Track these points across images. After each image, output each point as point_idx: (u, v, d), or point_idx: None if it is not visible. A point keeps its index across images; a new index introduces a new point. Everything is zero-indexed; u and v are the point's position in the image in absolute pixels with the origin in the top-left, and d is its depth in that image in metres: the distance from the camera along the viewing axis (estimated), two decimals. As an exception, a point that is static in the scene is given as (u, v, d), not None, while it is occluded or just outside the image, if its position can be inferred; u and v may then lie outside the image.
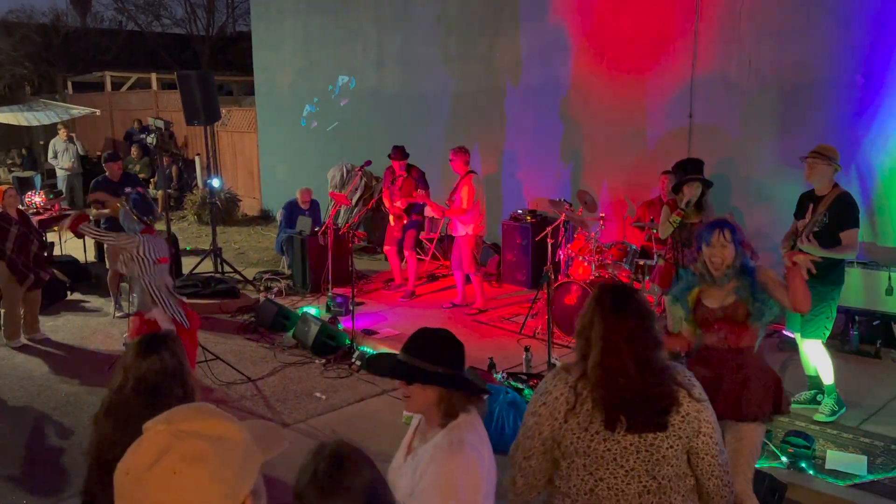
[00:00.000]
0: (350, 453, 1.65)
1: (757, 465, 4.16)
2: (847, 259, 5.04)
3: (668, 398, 2.12)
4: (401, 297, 8.14)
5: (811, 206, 4.90)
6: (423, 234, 8.73)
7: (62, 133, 13.78)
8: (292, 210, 9.37)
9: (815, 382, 5.11)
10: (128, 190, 7.61)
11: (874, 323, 6.21)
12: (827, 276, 4.69)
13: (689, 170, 5.53)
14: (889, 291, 6.04)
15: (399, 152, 7.96)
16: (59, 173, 13.77)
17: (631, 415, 2.11)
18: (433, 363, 2.13)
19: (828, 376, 4.89)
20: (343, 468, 1.60)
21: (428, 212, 8.48)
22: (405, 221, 8.01)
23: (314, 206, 9.49)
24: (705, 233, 3.34)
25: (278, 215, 10.24)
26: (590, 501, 2.19)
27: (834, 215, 4.74)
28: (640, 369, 2.11)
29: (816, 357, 4.92)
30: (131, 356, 2.67)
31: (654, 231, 6.13)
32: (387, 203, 8.26)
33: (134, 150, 14.58)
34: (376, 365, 3.35)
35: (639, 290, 2.25)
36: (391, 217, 8.15)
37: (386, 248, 8.43)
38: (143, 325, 4.98)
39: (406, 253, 8.12)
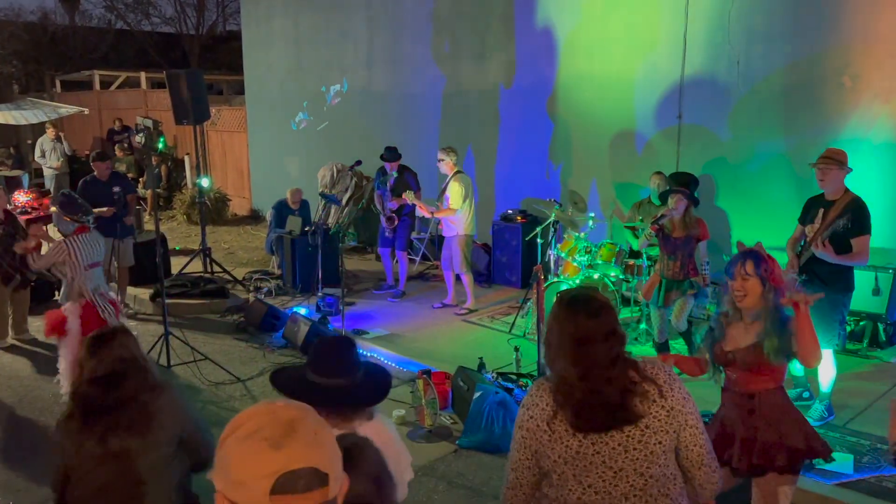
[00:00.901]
0: (357, 442, 1.76)
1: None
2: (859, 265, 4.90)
3: (622, 394, 2.12)
4: (390, 297, 8.14)
5: (822, 210, 4.78)
6: (413, 235, 8.71)
7: (50, 132, 13.69)
8: (282, 210, 9.34)
9: (799, 382, 5.12)
10: (116, 189, 7.60)
11: (860, 323, 6.27)
12: (837, 282, 4.69)
13: (678, 182, 5.57)
14: (875, 292, 6.09)
15: (391, 153, 7.97)
16: (47, 172, 13.69)
17: (587, 415, 2.13)
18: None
19: (827, 384, 4.88)
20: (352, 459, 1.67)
21: (418, 212, 8.48)
22: (396, 223, 8.01)
23: (304, 206, 9.47)
24: (729, 265, 3.08)
25: (268, 215, 10.21)
26: None
27: (847, 220, 4.63)
28: (585, 369, 2.12)
29: (824, 365, 4.82)
30: (83, 354, 2.72)
31: (646, 234, 6.16)
32: (378, 204, 8.26)
33: (118, 150, 14.49)
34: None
35: (598, 292, 2.23)
36: (383, 218, 8.15)
37: (380, 249, 8.42)
38: (55, 318, 5.14)
39: (398, 253, 8.13)
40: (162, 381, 2.89)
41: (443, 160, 7.46)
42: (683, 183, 5.56)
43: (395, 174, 7.97)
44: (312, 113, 11.98)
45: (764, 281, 2.99)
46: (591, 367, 2.13)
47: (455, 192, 7.33)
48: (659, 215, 5.63)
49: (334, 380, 2.28)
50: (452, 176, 7.45)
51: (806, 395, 5.09)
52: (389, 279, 8.47)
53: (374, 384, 2.40)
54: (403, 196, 7.64)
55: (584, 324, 2.13)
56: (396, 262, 8.34)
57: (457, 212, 7.33)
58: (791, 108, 6.78)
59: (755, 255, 3.04)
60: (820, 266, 4.69)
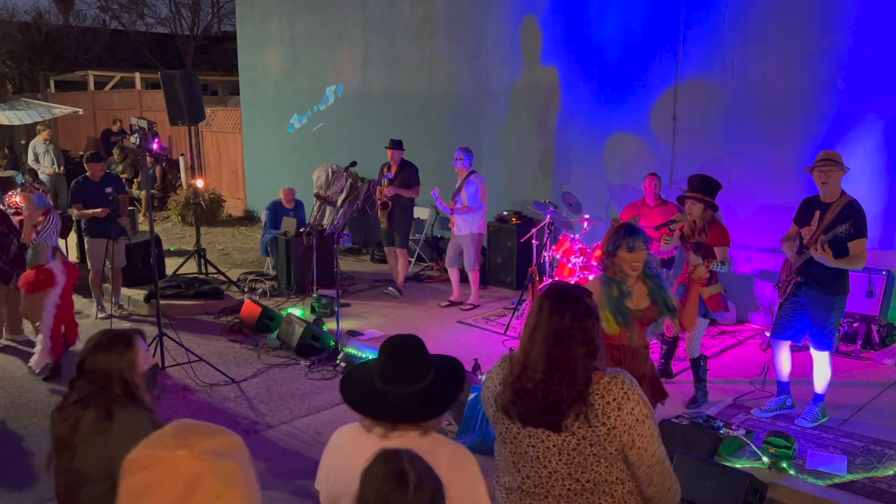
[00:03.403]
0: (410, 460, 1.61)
1: (738, 465, 4.22)
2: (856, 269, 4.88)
3: (571, 402, 2.09)
4: (383, 289, 8.26)
5: (818, 212, 4.74)
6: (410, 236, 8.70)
7: (42, 134, 13.63)
8: (276, 210, 9.33)
9: (784, 388, 5.11)
10: (108, 189, 7.57)
11: (854, 325, 6.29)
12: (834, 285, 4.70)
13: (693, 186, 5.39)
14: (869, 294, 6.11)
15: (396, 143, 8.00)
16: (42, 177, 13.61)
17: (527, 406, 2.13)
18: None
19: (822, 387, 4.89)
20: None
21: (415, 212, 8.50)
22: (390, 208, 7.98)
23: (298, 207, 9.46)
24: (628, 239, 3.41)
25: (263, 216, 10.20)
26: (520, 499, 2.23)
27: (850, 226, 4.54)
28: (555, 366, 2.10)
29: (821, 367, 4.86)
30: (88, 349, 2.73)
31: (665, 239, 6.13)
32: (377, 196, 8.24)
33: (116, 152, 14.44)
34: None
35: (591, 296, 2.22)
36: (378, 207, 8.13)
37: (387, 247, 8.42)
38: (38, 275, 6.12)
39: (398, 251, 8.16)
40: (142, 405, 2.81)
41: (460, 159, 7.56)
42: (698, 187, 5.40)
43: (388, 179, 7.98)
44: (308, 114, 11.97)
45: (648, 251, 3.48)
46: (559, 366, 2.10)
47: (472, 191, 7.47)
48: (669, 220, 5.55)
49: (404, 388, 2.06)
50: (469, 175, 7.54)
51: (789, 402, 5.08)
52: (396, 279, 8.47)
53: (449, 383, 2.16)
54: (387, 192, 7.71)
55: (568, 324, 2.12)
56: (397, 259, 8.33)
57: (474, 210, 7.45)
58: (785, 109, 6.80)
59: (643, 231, 3.52)
60: (817, 269, 4.69)
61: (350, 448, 2.06)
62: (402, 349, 2.14)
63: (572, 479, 2.15)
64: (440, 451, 2.00)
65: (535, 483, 2.18)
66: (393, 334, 2.21)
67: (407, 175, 7.91)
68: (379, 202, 8.06)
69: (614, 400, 2.11)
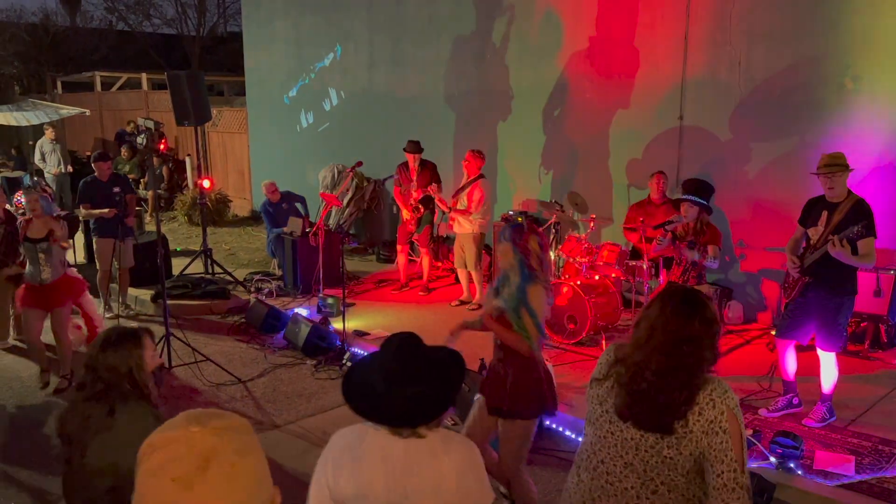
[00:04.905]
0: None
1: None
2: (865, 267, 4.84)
3: (682, 406, 2.09)
4: (419, 291, 8.34)
5: (825, 213, 4.73)
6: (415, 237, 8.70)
7: (49, 133, 13.69)
8: (271, 208, 9.30)
9: (791, 387, 5.10)
10: (116, 190, 7.60)
11: (862, 324, 6.26)
12: (842, 285, 4.69)
13: (689, 188, 5.52)
14: (877, 293, 6.08)
15: (414, 145, 8.04)
16: (48, 176, 13.67)
17: (640, 408, 2.12)
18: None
19: (829, 386, 4.88)
20: None
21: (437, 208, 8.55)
22: (421, 214, 8.05)
23: (287, 198, 9.39)
24: (514, 231, 3.51)
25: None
26: (593, 482, 2.23)
27: (851, 223, 4.54)
28: (672, 371, 2.10)
29: (828, 367, 4.85)
30: (97, 346, 2.74)
31: (657, 239, 6.15)
32: (398, 199, 8.27)
33: (124, 151, 14.50)
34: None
35: (710, 301, 2.23)
36: (405, 211, 8.16)
37: (399, 246, 8.44)
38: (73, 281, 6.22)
39: (422, 249, 8.21)
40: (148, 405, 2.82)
41: (470, 161, 7.58)
42: (694, 189, 5.49)
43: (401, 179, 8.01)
44: (313, 112, 11.99)
45: (516, 250, 3.47)
46: (678, 369, 2.10)
47: (478, 199, 7.47)
48: (666, 221, 5.60)
49: (405, 390, 2.04)
50: (476, 180, 7.54)
51: (796, 401, 5.06)
52: (403, 279, 8.48)
53: (451, 382, 2.17)
54: (429, 189, 7.73)
55: (698, 328, 2.11)
56: (411, 260, 8.34)
57: (472, 216, 7.46)
58: (792, 109, 6.78)
59: (516, 225, 3.59)
60: (826, 269, 4.67)
61: (365, 446, 2.07)
62: (404, 349, 2.13)
63: (646, 478, 2.14)
64: (450, 445, 2.05)
65: (609, 471, 2.19)
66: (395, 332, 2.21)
67: (432, 174, 8.02)
68: (409, 209, 8.10)
69: (696, 405, 2.09)
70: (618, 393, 2.18)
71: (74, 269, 6.51)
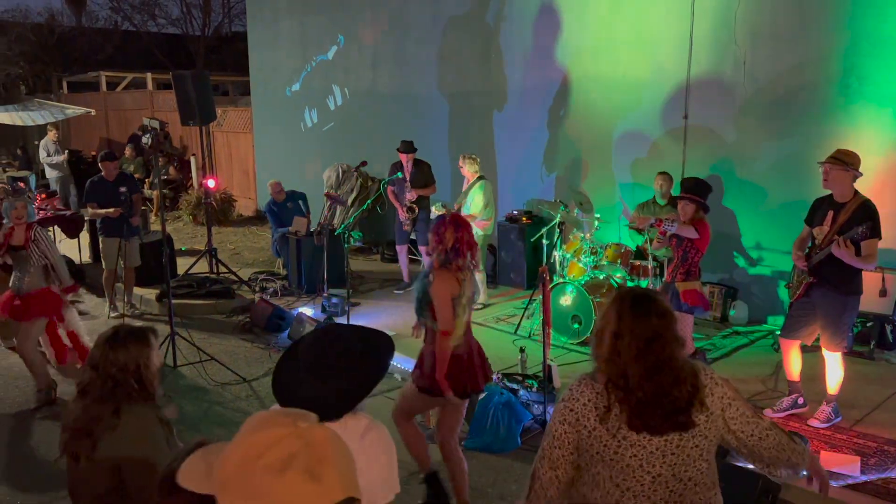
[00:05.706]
0: None
1: (750, 466, 4.18)
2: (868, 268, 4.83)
3: (686, 398, 2.11)
4: (396, 290, 8.29)
5: (831, 212, 4.71)
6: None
7: (51, 133, 13.74)
8: (276, 207, 9.31)
9: (795, 387, 5.09)
10: (122, 189, 7.62)
11: (867, 324, 6.24)
12: (848, 284, 4.67)
13: (685, 187, 5.56)
14: (882, 293, 6.06)
15: (407, 145, 8.04)
16: (50, 174, 13.72)
17: (648, 415, 2.11)
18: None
19: (835, 387, 4.86)
20: None
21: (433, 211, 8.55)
22: (416, 213, 8.05)
23: (293, 197, 9.40)
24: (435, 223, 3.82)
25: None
26: None
27: (856, 223, 4.52)
28: (655, 369, 2.10)
29: (833, 368, 4.84)
30: (102, 347, 2.75)
31: (651, 237, 6.16)
32: (392, 198, 8.27)
33: (128, 150, 14.54)
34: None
35: (659, 294, 2.26)
36: (401, 212, 8.17)
37: (398, 245, 8.44)
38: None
39: (421, 249, 8.22)
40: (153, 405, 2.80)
41: (462, 167, 7.60)
42: (690, 188, 5.52)
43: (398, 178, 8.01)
44: (318, 112, 12.01)
45: (433, 236, 3.83)
46: (661, 367, 2.11)
47: (478, 200, 7.48)
48: (663, 218, 5.61)
49: (322, 383, 2.00)
50: (476, 182, 7.55)
51: (801, 401, 5.05)
52: (407, 278, 8.47)
53: (371, 370, 2.13)
54: (407, 196, 7.72)
55: (657, 323, 2.13)
56: (413, 260, 8.34)
57: (475, 217, 7.44)
58: (797, 108, 6.76)
59: (440, 217, 3.92)
60: (831, 269, 4.66)
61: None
62: (328, 341, 2.07)
63: (676, 480, 2.14)
64: (368, 430, 2.07)
65: (636, 493, 2.14)
66: (339, 324, 2.18)
67: (423, 174, 7.98)
68: (404, 209, 8.10)
69: (705, 385, 2.17)
70: (622, 409, 2.13)
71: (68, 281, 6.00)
